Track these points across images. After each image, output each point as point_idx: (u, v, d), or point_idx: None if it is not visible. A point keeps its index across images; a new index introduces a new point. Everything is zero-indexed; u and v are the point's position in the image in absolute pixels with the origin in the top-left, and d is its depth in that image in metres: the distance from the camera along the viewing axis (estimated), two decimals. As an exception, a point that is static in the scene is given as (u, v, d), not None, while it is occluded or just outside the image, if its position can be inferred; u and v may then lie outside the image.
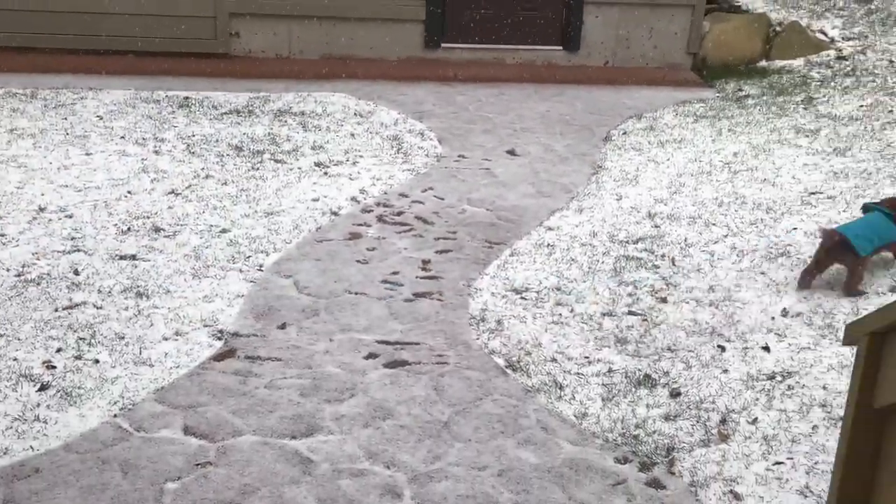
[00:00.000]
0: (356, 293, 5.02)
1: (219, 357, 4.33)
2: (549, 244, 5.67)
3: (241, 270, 5.17)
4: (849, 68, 8.80)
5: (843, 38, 9.48)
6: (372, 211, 6.09)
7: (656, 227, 5.87)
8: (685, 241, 5.66)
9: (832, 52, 9.28)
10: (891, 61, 8.63)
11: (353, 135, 7.41)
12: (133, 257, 5.25)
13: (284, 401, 4.01)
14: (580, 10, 9.66)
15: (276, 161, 6.76)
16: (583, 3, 9.65)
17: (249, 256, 5.34)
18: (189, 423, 3.83)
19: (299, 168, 6.66)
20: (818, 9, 9.94)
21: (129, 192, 6.13)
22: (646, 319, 4.82)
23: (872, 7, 9.82)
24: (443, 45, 9.68)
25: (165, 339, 4.45)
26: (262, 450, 3.69)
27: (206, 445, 3.70)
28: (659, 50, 9.85)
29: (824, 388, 4.24)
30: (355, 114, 7.93)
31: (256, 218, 5.84)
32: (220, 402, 3.98)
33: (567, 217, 6.09)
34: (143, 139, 7.05)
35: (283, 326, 4.64)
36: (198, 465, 3.58)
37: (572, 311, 4.90)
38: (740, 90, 8.82)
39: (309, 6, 9.27)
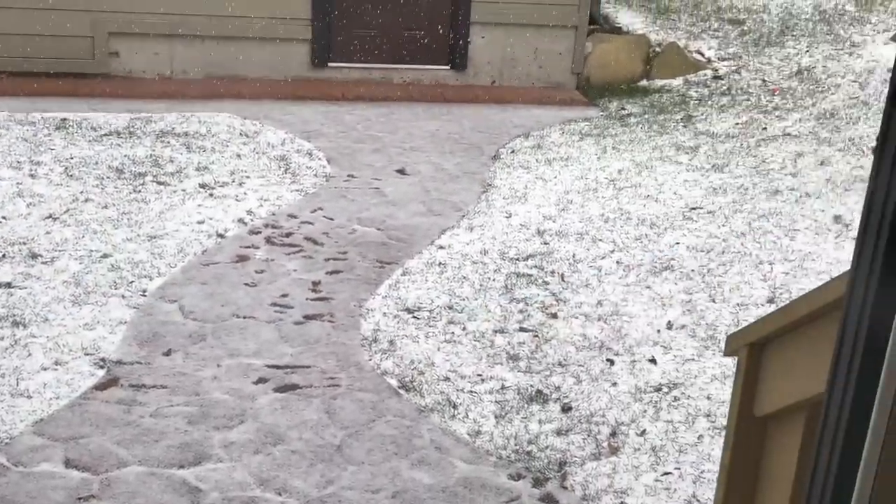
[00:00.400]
0: (244, 317, 4.94)
1: (101, 386, 4.20)
2: (440, 263, 5.68)
3: (123, 296, 5.02)
4: (725, 87, 9.09)
5: (718, 59, 9.80)
6: (260, 232, 6.00)
7: (545, 243, 5.95)
8: (573, 257, 5.74)
9: (709, 72, 9.57)
10: (763, 80, 8.95)
11: (239, 155, 7.30)
12: (8, 285, 5.05)
13: (171, 429, 3.90)
14: (467, 31, 9.76)
15: (159, 183, 6.61)
16: (469, 24, 9.75)
17: (132, 282, 5.19)
18: (70, 455, 3.69)
19: (183, 190, 6.53)
20: (695, 30, 10.25)
21: (3, 218, 5.90)
22: (537, 335, 4.87)
23: (745, 28, 10.17)
24: (330, 64, 9.64)
25: (44, 368, 4.29)
26: (149, 480, 3.58)
27: (88, 478, 3.57)
28: (544, 70, 10.01)
29: (708, 398, 4.34)
30: (241, 134, 7.82)
31: (139, 242, 5.69)
32: (104, 433, 3.85)
33: (458, 235, 6.11)
34: (18, 162, 6.80)
35: (168, 353, 4.52)
36: (80, 499, 3.45)
37: (465, 329, 4.91)
38: (623, 109, 9.02)
39: (191, 25, 9.12)
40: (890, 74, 8.25)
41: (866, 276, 1.54)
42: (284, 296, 5.20)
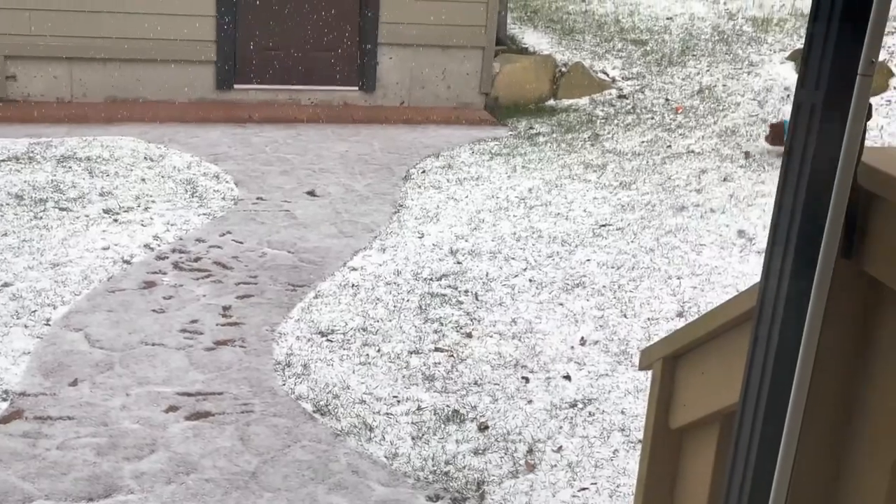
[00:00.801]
0: (153, 344, 4.83)
1: (4, 419, 4.05)
2: (353, 285, 5.64)
3: (26, 326, 4.87)
4: (630, 106, 9.27)
5: (623, 78, 9.99)
6: (167, 258, 5.89)
7: (458, 263, 5.96)
8: (487, 276, 5.77)
9: (614, 91, 9.75)
10: (667, 99, 9.15)
11: (143, 179, 7.16)
12: None
13: (79, 461, 3.79)
14: (374, 51, 9.76)
15: (61, 209, 6.44)
16: (377, 45, 9.75)
17: (35, 311, 5.04)
18: (-28, 493, 3.56)
19: (87, 216, 6.37)
20: (599, 50, 10.44)
21: None
22: (452, 355, 4.87)
23: (648, 49, 10.40)
24: (236, 86, 9.53)
25: (-57, 403, 4.13)
26: (56, 516, 3.46)
27: (-8, 516, 3.44)
28: (453, 90, 10.06)
29: (622, 412, 4.39)
30: (145, 158, 7.67)
31: (41, 270, 5.53)
32: (8, 467, 3.71)
33: (370, 257, 6.09)
34: (-87, 189, 6.56)
35: (74, 383, 4.39)
36: (-17, 538, 3.32)
37: (379, 350, 4.88)
38: (531, 128, 9.12)
39: (91, 48, 8.93)
40: (787, 92, 8.52)
41: (776, 288, 1.58)
42: (194, 322, 5.10)
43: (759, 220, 6.26)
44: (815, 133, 1.44)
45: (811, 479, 1.63)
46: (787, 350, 1.54)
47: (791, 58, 9.38)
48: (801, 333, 1.50)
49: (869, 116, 1.38)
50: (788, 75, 9.00)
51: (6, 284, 5.30)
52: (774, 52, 9.66)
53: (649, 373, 4.53)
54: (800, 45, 9.54)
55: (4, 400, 4.20)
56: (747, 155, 7.23)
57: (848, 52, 1.34)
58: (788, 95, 8.45)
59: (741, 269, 5.68)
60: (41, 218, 6.26)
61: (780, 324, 1.54)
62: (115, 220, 6.32)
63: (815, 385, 1.53)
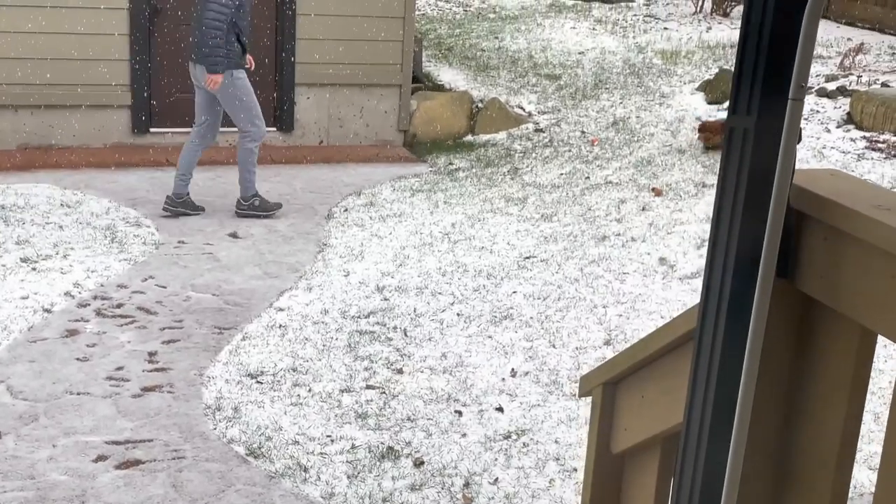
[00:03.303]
0: (78, 393, 4.72)
1: (-75, 478, 3.92)
2: (280, 325, 5.60)
3: (-56, 380, 4.72)
4: (547, 140, 9.42)
5: (538, 112, 10.15)
6: (89, 305, 5.77)
7: (385, 299, 5.96)
8: (415, 311, 5.78)
9: (531, 126, 9.90)
10: (582, 132, 9.32)
11: (61, 227, 7.01)
12: None
13: (6, 518, 3.68)
14: (291, 92, 9.76)
15: (-23, 259, 6.27)
16: (294, 85, 9.75)
17: (-47, 364, 4.89)
18: None
19: (3, 265, 6.21)
20: (514, 85, 10.60)
21: None
22: (384, 392, 4.86)
23: (561, 83, 10.59)
24: (152, 129, 9.42)
25: None
26: (-16, 575, 3.35)
27: (-84, 579, 3.31)
28: (371, 128, 10.10)
29: (556, 441, 4.43)
30: (62, 204, 7.53)
31: (-42, 321, 5.37)
32: (-70, 528, 3.59)
33: (297, 296, 6.05)
34: None
35: (-2, 436, 4.27)
36: None
37: (310, 390, 4.85)
38: (451, 164, 9.20)
39: (2, 94, 8.75)
40: (699, 121, 8.75)
41: (715, 309, 1.63)
42: (119, 369, 5.00)
43: (679, 247, 6.40)
44: (748, 157, 1.50)
45: (757, 493, 1.68)
46: (729, 369, 1.58)
47: (700, 88, 9.64)
48: (743, 352, 1.55)
49: (799, 139, 1.44)
50: (699, 105, 9.25)
51: (-79, 338, 5.14)
52: (684, 83, 9.92)
53: (582, 401, 4.59)
54: (708, 76, 9.84)
55: (-76, 457, 4.06)
56: (657, 193, 7.42)
57: (778, 77, 1.40)
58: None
59: (664, 296, 5.79)
60: (-45, 269, 6.09)
61: (722, 343, 1.59)
62: (34, 269, 6.18)
63: (757, 401, 1.58)
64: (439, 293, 6.04)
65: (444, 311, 5.79)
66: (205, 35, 6.96)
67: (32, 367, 4.95)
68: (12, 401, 4.60)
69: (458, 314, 5.73)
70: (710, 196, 6.97)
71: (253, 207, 7.62)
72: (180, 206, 7.53)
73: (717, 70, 9.86)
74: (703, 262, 5.80)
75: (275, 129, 9.83)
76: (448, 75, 10.84)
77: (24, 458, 4.12)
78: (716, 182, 1.62)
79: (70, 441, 4.28)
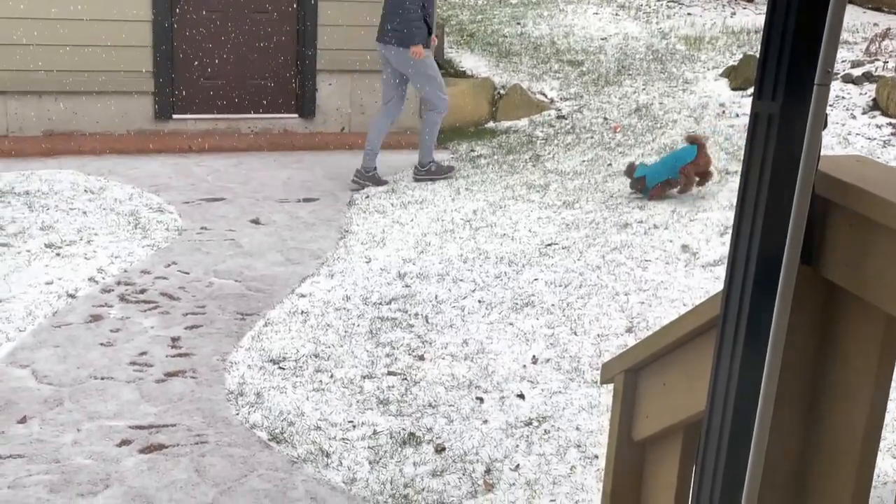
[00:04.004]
0: (102, 378, 4.76)
1: (-48, 461, 3.96)
2: (302, 311, 5.62)
3: (-30, 364, 4.77)
4: (569, 126, 9.38)
5: (561, 99, 10.11)
6: (113, 290, 5.81)
7: (407, 286, 5.97)
8: (436, 298, 5.78)
9: (553, 112, 9.86)
10: (605, 118, 9.28)
11: (85, 213, 7.06)
12: None
13: (32, 500, 3.71)
14: (313, 79, 9.76)
15: (2, 245, 6.32)
16: (316, 72, 9.75)
17: (-21, 348, 4.94)
18: (-78, 537, 3.47)
19: (28, 251, 6.26)
20: (536, 72, 10.55)
21: None
22: (405, 378, 4.87)
23: (584, 69, 10.54)
24: (174, 116, 9.45)
25: None
26: (10, 557, 3.39)
27: (-57, 560, 3.36)
28: (392, 115, 10.08)
29: (577, 428, 4.43)
30: (86, 191, 7.57)
31: (-16, 306, 5.42)
32: (-43, 511, 3.63)
33: (318, 283, 6.07)
34: None
35: (23, 420, 4.31)
36: (-65, 583, 3.24)
37: (332, 376, 4.87)
38: (473, 151, 9.18)
39: (25, 81, 8.80)
40: (722, 108, 8.70)
41: (739, 296, 1.61)
42: (143, 354, 5.04)
43: (702, 234, 6.36)
44: (772, 143, 1.48)
45: (780, 481, 1.67)
46: (753, 356, 1.57)
47: (724, 74, 9.58)
48: (767, 339, 1.54)
49: (825, 125, 1.43)
50: (723, 92, 9.19)
51: (-53, 323, 5.19)
52: (708, 69, 9.86)
53: (604, 388, 4.59)
54: (732, 62, 9.77)
55: (-49, 441, 4.11)
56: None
57: (804, 62, 1.39)
58: (724, 111, 8.64)
59: (687, 283, 5.77)
60: (-19, 254, 6.15)
61: (746, 330, 1.58)
62: (58, 255, 6.23)
63: (780, 389, 1.57)
64: (461, 280, 6.04)
65: (465, 297, 5.79)
66: (404, 15, 7.73)
67: (57, 351, 4.99)
68: (37, 385, 4.65)
69: (479, 301, 5.73)
70: (734, 183, 6.93)
71: (430, 172, 8.20)
72: (368, 179, 8.15)
73: (741, 56, 9.78)
74: (725, 250, 5.77)
75: (296, 115, 9.85)
76: (470, 62, 10.81)
77: (49, 441, 4.16)
78: (740, 169, 1.60)
79: (94, 425, 4.31)
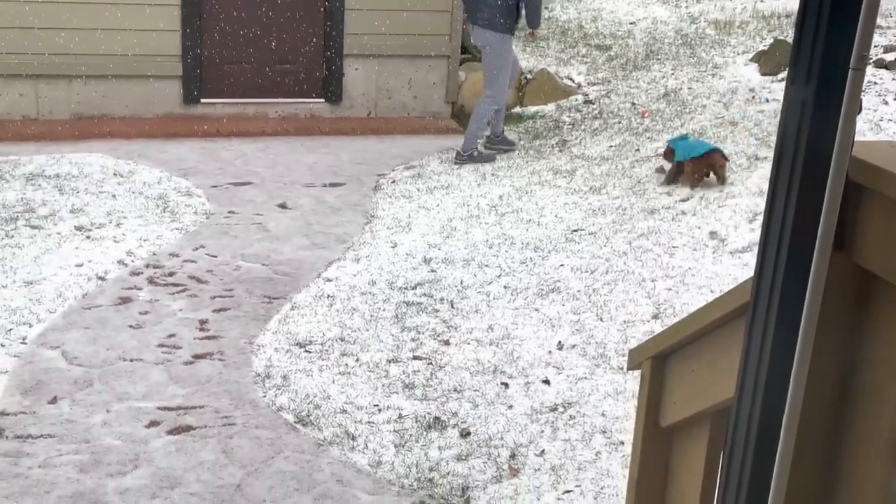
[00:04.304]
0: (131, 360, 4.80)
1: (-16, 440, 4.01)
2: (329, 295, 5.64)
3: (2, 345, 4.82)
4: (596, 111, 9.33)
5: (588, 83, 10.05)
6: (141, 273, 5.85)
7: (432, 271, 5.98)
8: (461, 283, 5.79)
9: (580, 97, 9.81)
10: (633, 103, 9.22)
11: (114, 196, 7.11)
12: None
13: (62, 479, 3.76)
14: (340, 63, 9.77)
15: (33, 227, 6.38)
16: (343, 56, 9.76)
17: (10, 329, 4.99)
18: (-45, 514, 3.52)
19: (58, 233, 6.32)
20: (564, 56, 10.50)
21: None
22: (430, 363, 4.88)
23: (612, 54, 10.48)
24: (202, 100, 9.49)
25: (-80, 425, 4.08)
26: (41, 535, 3.43)
27: (-24, 537, 3.41)
28: (419, 100, 10.09)
29: (603, 414, 4.42)
30: (115, 174, 7.62)
31: (15, 288, 5.48)
32: (-11, 489, 3.68)
33: (345, 267, 6.09)
34: None
35: (53, 401, 4.36)
36: (-32, 559, 3.28)
37: (358, 360, 4.88)
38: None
39: (56, 65, 8.86)
40: (752, 93, 8.62)
41: (770, 282, 1.60)
42: (171, 336, 5.08)
43: (731, 220, 6.32)
44: (806, 129, 1.47)
45: (809, 470, 1.66)
46: (783, 343, 1.56)
47: (754, 59, 9.49)
48: (798, 326, 1.53)
49: (859, 111, 1.41)
50: (752, 77, 9.11)
51: (-21, 304, 5.25)
52: (738, 54, 9.77)
53: (630, 375, 4.58)
54: (762, 46, 9.67)
55: (-17, 420, 4.16)
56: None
57: (839, 46, 1.37)
58: (754, 97, 8.56)
59: (714, 270, 5.73)
60: (13, 236, 6.20)
61: (776, 317, 1.57)
62: (88, 237, 6.28)
63: (810, 377, 1.56)
64: (486, 265, 6.04)
65: (490, 283, 5.79)
66: (502, 2, 7.98)
67: (87, 333, 5.04)
68: (67, 366, 4.69)
69: (504, 286, 5.73)
70: (763, 169, 6.87)
71: (472, 158, 8.31)
72: (499, 143, 8.53)
73: (771, 40, 9.68)
74: (754, 237, 5.74)
75: (323, 100, 9.87)
76: (497, 46, 10.75)
77: (79, 422, 4.20)
78: (770, 154, 1.59)
79: (123, 406, 4.36)
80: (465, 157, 8.31)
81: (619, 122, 8.93)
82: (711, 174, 6.97)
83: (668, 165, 7.29)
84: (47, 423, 4.17)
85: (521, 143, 8.82)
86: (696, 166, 6.94)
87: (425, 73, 10.04)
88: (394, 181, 7.91)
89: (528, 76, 10.21)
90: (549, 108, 9.83)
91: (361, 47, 9.77)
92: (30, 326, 5.05)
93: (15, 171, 7.51)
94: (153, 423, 4.23)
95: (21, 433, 4.08)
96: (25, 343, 4.88)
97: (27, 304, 5.28)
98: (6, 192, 6.99)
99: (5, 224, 6.39)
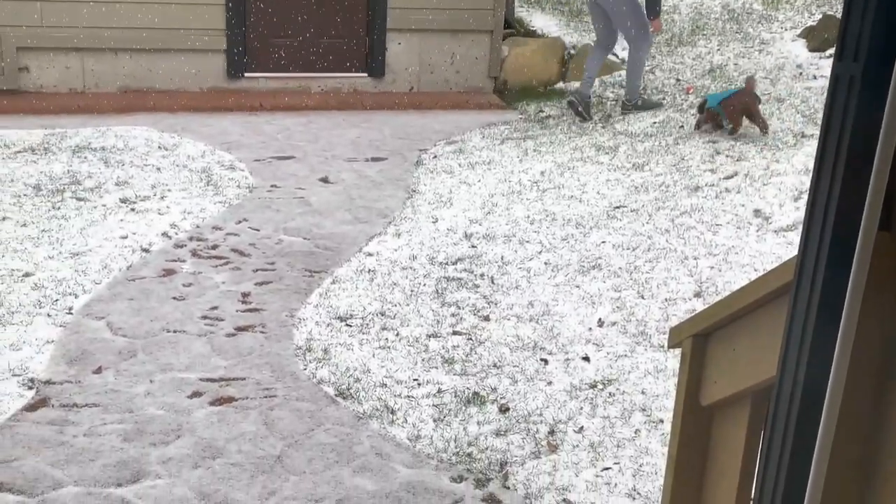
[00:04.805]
0: (174, 331, 4.86)
1: (31, 407, 4.09)
2: (369, 270, 5.66)
3: (48, 315, 4.90)
4: (640, 87, 9.23)
5: (632, 59, 9.95)
6: (185, 246, 5.91)
7: (473, 247, 5.98)
8: (502, 259, 5.78)
9: (624, 73, 9.72)
10: (677, 79, 9.13)
11: (158, 168, 7.18)
12: (-74, 308, 4.89)
13: (106, 448, 3.82)
14: (383, 38, 9.76)
15: (79, 199, 6.47)
16: (386, 31, 9.75)
17: (57, 300, 5.07)
18: (4, 478, 3.59)
19: (104, 205, 6.40)
20: (608, 32, 10.39)
21: (-84, 239, 5.72)
22: (470, 338, 4.89)
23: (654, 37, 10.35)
24: (246, 74, 9.54)
25: (-30, 392, 4.17)
26: (86, 500, 3.49)
27: (24, 501, 3.47)
28: (462, 75, 10.06)
29: (643, 392, 4.41)
30: (159, 147, 7.70)
31: (61, 259, 5.56)
32: (37, 455, 3.75)
33: (385, 242, 6.11)
34: (-71, 182, 6.59)
35: (98, 371, 4.43)
36: (16, 524, 3.36)
37: (398, 334, 4.91)
38: (541, 111, 9.12)
39: (103, 38, 8.95)
40: (799, 70, 8.49)
41: (814, 261, 1.59)
42: (214, 308, 5.13)
43: (775, 198, 6.25)
44: (853, 106, 1.45)
45: (851, 450, 1.64)
46: (826, 323, 1.55)
47: (802, 35, 9.34)
48: (841, 306, 1.51)
49: (909, 88, 1.38)
50: (800, 53, 8.97)
51: (27, 274, 5.33)
52: (785, 29, 9.62)
53: (670, 353, 4.56)
54: (811, 21, 9.52)
55: (30, 388, 4.24)
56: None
57: (889, 21, 1.34)
58: (801, 73, 8.44)
59: (758, 249, 5.67)
60: (59, 208, 6.30)
61: (819, 297, 1.55)
62: (133, 210, 6.35)
63: (854, 358, 1.54)
64: (527, 241, 6.03)
65: (531, 259, 5.78)
66: None
67: (131, 304, 5.11)
68: (112, 337, 4.76)
69: (545, 263, 5.72)
70: (809, 146, 6.78)
71: (636, 107, 8.64)
72: (582, 104, 8.65)
73: (820, 16, 9.52)
74: (799, 215, 5.67)
75: (366, 74, 9.87)
76: (540, 21, 10.70)
77: (123, 392, 4.27)
78: (817, 132, 1.57)
79: (167, 377, 4.42)
80: (630, 106, 8.63)
81: (664, 99, 8.84)
82: (752, 125, 7.37)
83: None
84: (92, 393, 4.24)
85: (564, 118, 8.77)
86: (728, 109, 7.31)
87: (468, 48, 10.01)
88: (435, 156, 7.91)
89: (572, 51, 10.14)
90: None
91: (404, 22, 9.75)
92: (76, 297, 5.12)
93: (62, 143, 7.60)
94: (195, 394, 4.28)
95: (66, 402, 4.15)
96: (71, 313, 4.96)
97: (73, 276, 5.36)
98: (53, 165, 7.09)
99: (52, 196, 6.48)
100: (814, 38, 9.13)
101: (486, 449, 3.97)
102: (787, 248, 5.56)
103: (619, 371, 4.58)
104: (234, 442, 3.93)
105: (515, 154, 7.81)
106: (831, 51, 8.45)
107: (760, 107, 7.40)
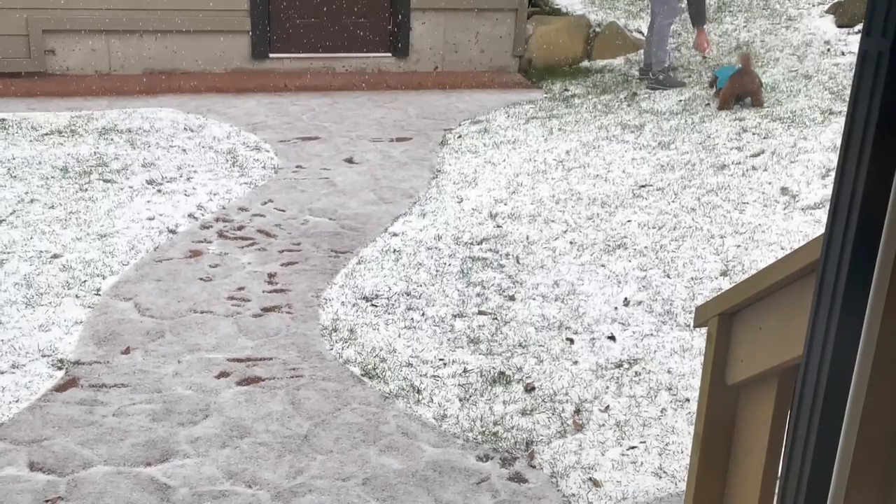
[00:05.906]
0: (202, 312, 4.89)
1: (61, 387, 4.14)
2: (395, 250, 5.67)
3: (77, 296, 4.95)
4: (666, 65, 9.16)
5: (658, 37, 9.86)
6: (211, 227, 5.94)
7: (498, 226, 5.97)
8: (527, 239, 5.77)
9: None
10: (704, 57, 9.05)
11: (184, 150, 7.21)
12: (-43, 290, 4.95)
13: (135, 427, 3.86)
14: (407, 17, 9.73)
15: (106, 181, 6.51)
16: (410, 10, 9.72)
17: (85, 281, 5.12)
18: (34, 458, 3.64)
19: (131, 187, 6.44)
20: (633, 9, 10.33)
21: (-53, 222, 5.78)
22: (496, 318, 4.89)
23: (683, 6, 10.27)
24: (271, 55, 9.55)
25: (1, 372, 4.22)
26: (116, 479, 3.54)
27: (55, 480, 3.52)
28: (486, 54, 10.02)
29: (669, 371, 4.40)
30: (185, 128, 7.73)
31: (89, 241, 5.60)
32: (67, 434, 3.80)
33: (411, 222, 6.11)
34: (-41, 165, 6.66)
35: (126, 351, 4.47)
36: (47, 501, 3.40)
37: (423, 314, 4.92)
38: (566, 90, 9.07)
39: (128, 20, 8.97)
40: (827, 46, 8.40)
41: (841, 238, 1.57)
42: (241, 289, 5.16)
43: (803, 176, 6.20)
44: (881, 82, 1.43)
45: (878, 429, 1.64)
46: (853, 302, 1.53)
47: (830, 11, 9.23)
48: (869, 285, 1.50)
49: (938, 64, 1.37)
50: (828, 29, 8.87)
51: (56, 256, 5.38)
52: (813, 5, 9.51)
53: (696, 332, 4.54)
54: (839, -2, 9.39)
55: (60, 368, 4.28)
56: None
57: (919, -2, 1.32)
58: (829, 49, 8.34)
59: (785, 227, 5.63)
60: (86, 190, 6.34)
61: (847, 276, 1.54)
62: (159, 191, 6.39)
63: (882, 337, 1.53)
64: (552, 221, 6.01)
65: (556, 238, 5.77)
66: None
67: (158, 285, 5.15)
68: (140, 317, 4.80)
69: (570, 242, 5.70)
70: (836, 124, 6.71)
71: (658, 81, 8.66)
72: (666, 78, 8.73)
73: (848, -8, 9.40)
74: (827, 193, 5.62)
75: (390, 55, 9.85)
76: (565, -1, 10.62)
77: (152, 372, 4.30)
78: (844, 109, 1.55)
79: (194, 357, 4.45)
80: (653, 80, 8.65)
81: (690, 76, 8.78)
82: (748, 100, 7.58)
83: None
84: (121, 373, 4.28)
85: (589, 97, 8.72)
86: (727, 87, 7.55)
87: (493, 27, 9.97)
88: (460, 136, 7.89)
89: (597, 29, 10.07)
90: (618, 61, 9.70)
91: (428, 1, 9.72)
92: (103, 278, 5.17)
93: (88, 125, 7.65)
94: (223, 374, 4.32)
95: (95, 382, 4.20)
96: (99, 294, 5.00)
97: (101, 257, 5.40)
98: (80, 147, 7.13)
99: (79, 178, 6.53)
100: (842, 14, 9.02)
101: (512, 428, 3.99)
102: (814, 226, 5.52)
103: (644, 350, 4.58)
104: (262, 421, 3.96)
105: (540, 133, 7.79)
106: (859, 27, 8.34)
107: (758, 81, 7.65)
